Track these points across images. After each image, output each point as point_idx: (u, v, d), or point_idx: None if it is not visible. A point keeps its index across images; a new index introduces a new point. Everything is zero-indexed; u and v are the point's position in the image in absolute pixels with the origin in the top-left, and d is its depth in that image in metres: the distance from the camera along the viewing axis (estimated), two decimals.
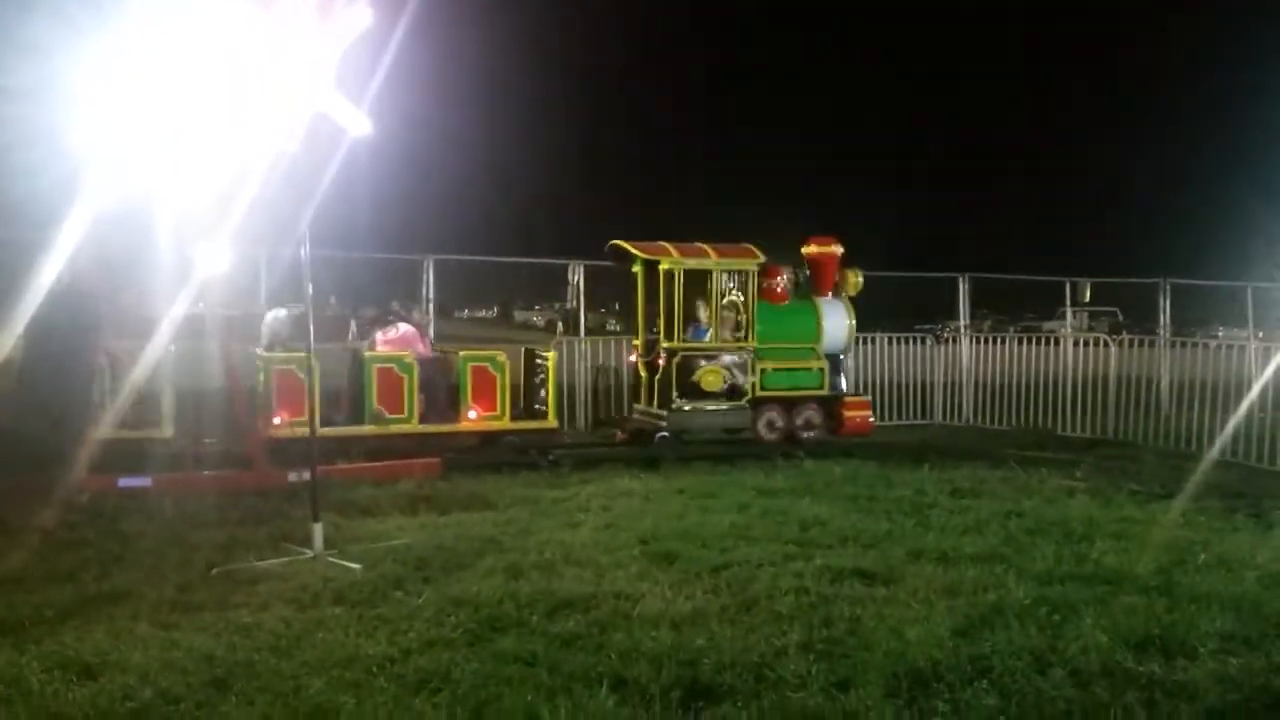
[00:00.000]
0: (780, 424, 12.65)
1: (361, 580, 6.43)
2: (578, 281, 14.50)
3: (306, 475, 7.51)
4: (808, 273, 13.36)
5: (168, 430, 10.44)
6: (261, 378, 10.59)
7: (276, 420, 10.38)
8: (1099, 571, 6.87)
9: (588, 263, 14.69)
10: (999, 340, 16.75)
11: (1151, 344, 15.99)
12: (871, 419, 13.28)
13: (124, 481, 8.91)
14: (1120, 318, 34.12)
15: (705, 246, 12.57)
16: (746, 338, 12.61)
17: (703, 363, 12.32)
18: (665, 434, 12.35)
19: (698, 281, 12.39)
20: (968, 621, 5.79)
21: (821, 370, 12.83)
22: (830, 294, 13.19)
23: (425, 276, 13.95)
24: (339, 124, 6.77)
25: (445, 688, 4.80)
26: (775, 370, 12.65)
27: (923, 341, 17.04)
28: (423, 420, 11.01)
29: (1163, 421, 14.07)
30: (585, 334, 14.88)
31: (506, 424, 11.47)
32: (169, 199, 7.69)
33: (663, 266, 12.25)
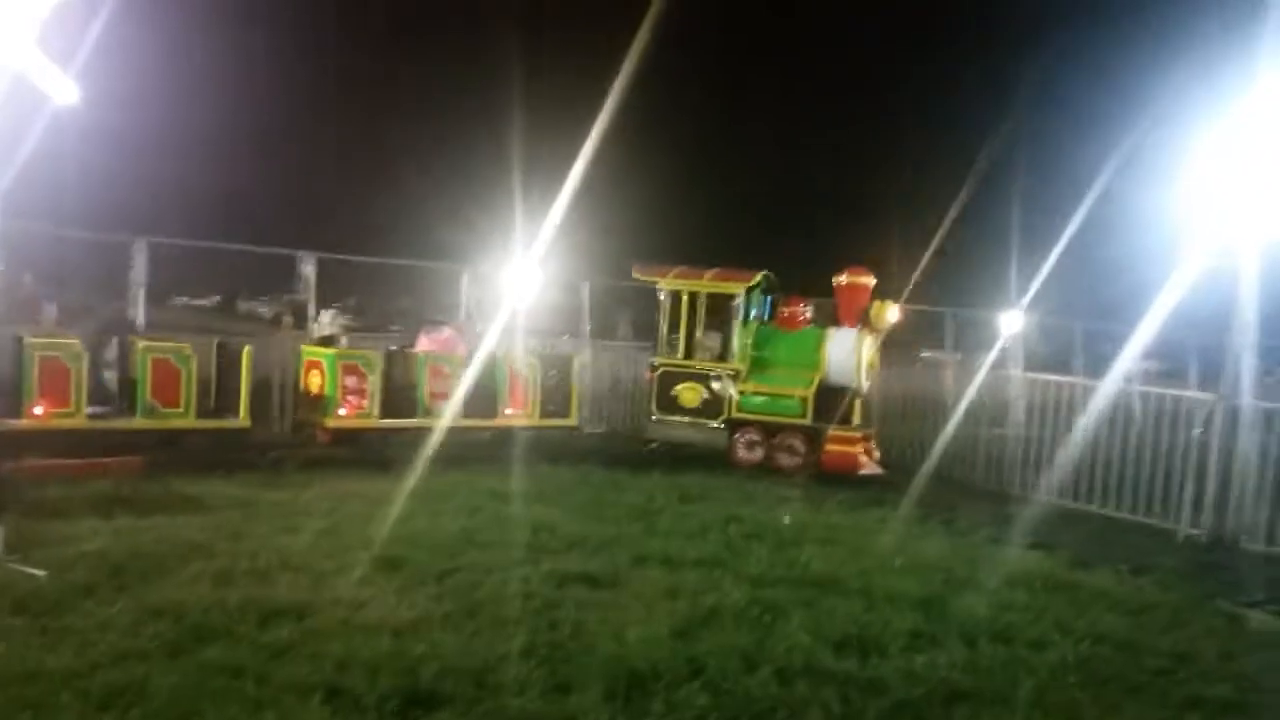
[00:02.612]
0: (760, 446, 12.58)
1: (47, 588, 5.88)
2: (308, 274, 13.88)
3: None
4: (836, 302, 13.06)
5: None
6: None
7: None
8: (807, 575, 7.32)
9: (320, 254, 14.10)
10: None
11: None
12: (860, 456, 12.41)
13: None
14: None
15: (704, 271, 13.23)
16: (728, 359, 12.83)
17: (684, 380, 12.91)
18: (655, 444, 13.14)
19: (693, 302, 13.10)
20: (686, 623, 6.01)
21: (804, 400, 12.45)
22: (858, 325, 12.60)
23: (135, 260, 12.94)
24: (41, 88, 6.16)
25: (139, 703, 4.47)
26: (755, 394, 12.64)
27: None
28: (466, 414, 11.87)
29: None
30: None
31: (536, 421, 12.65)
32: None
33: (658, 286, 13.30)
